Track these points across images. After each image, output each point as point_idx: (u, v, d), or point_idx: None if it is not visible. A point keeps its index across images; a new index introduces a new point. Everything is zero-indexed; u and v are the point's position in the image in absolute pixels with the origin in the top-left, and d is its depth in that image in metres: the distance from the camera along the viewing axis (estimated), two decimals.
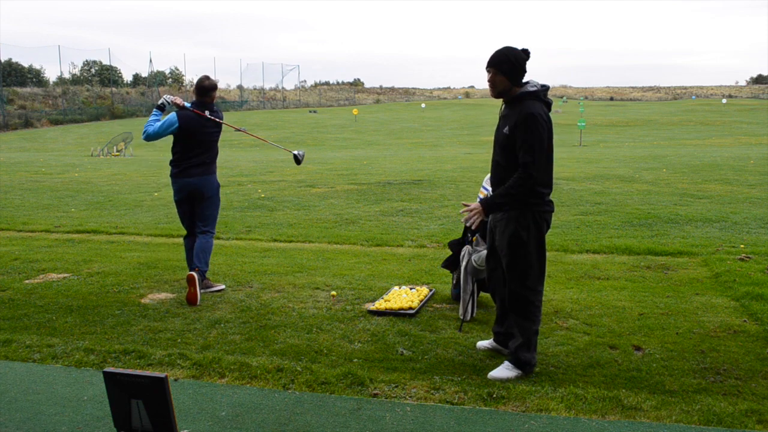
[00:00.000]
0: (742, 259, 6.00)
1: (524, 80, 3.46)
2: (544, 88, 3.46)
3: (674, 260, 6.17)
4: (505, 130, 3.42)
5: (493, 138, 3.72)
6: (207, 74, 5.32)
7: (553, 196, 3.60)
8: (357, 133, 38.35)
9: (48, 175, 16.33)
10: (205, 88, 5.23)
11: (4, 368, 3.65)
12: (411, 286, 5.19)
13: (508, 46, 3.45)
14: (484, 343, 3.92)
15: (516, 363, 3.52)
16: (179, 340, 4.13)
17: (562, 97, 70.55)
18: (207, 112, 5.21)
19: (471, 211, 3.50)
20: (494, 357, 3.79)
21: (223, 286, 5.34)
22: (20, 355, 3.85)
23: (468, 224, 3.57)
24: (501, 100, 3.55)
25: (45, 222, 9.01)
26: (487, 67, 3.44)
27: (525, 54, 3.43)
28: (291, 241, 7.46)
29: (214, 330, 4.34)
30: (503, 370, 3.52)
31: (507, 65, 3.39)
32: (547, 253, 3.70)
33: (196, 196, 5.26)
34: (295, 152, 5.73)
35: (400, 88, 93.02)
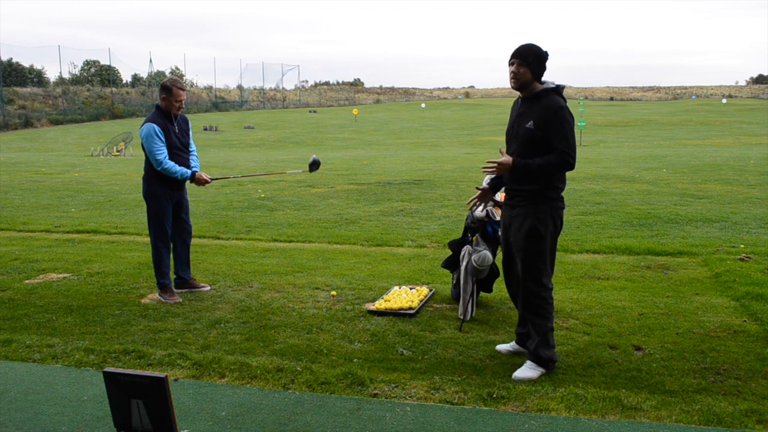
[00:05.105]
0: (742, 259, 6.00)
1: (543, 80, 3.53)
2: (561, 87, 3.51)
3: (674, 260, 6.16)
4: (529, 125, 3.41)
5: (505, 136, 3.72)
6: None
7: None
8: (357, 133, 38.35)
9: (48, 175, 16.33)
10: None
11: (4, 368, 3.65)
12: (411, 286, 5.19)
13: (533, 43, 3.48)
14: (506, 346, 3.90)
15: (538, 361, 3.53)
16: (179, 340, 4.13)
17: None
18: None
19: (498, 162, 3.41)
20: (495, 357, 3.79)
21: (208, 287, 5.36)
22: (20, 355, 3.85)
23: (483, 170, 3.48)
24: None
25: (45, 222, 9.01)
26: (510, 59, 3.46)
27: (545, 54, 3.48)
28: (291, 241, 7.46)
29: (214, 330, 4.34)
30: (527, 370, 3.52)
31: (532, 57, 3.41)
32: None
33: None
34: (310, 161, 5.39)
35: (400, 88, 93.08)
